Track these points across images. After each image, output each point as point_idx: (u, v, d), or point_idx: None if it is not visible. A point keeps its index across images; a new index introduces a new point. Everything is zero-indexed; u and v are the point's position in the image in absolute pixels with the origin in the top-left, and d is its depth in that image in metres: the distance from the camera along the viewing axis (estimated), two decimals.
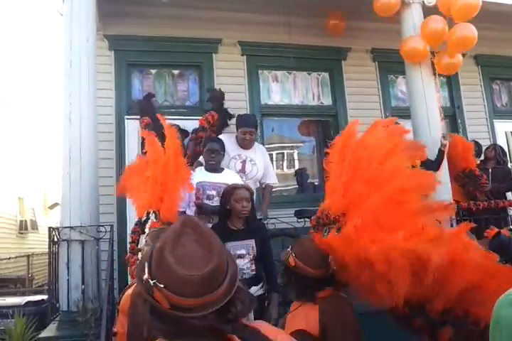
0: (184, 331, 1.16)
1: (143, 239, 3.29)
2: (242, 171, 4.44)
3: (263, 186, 4.85)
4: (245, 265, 3.36)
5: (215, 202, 3.90)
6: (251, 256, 3.37)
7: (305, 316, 2.25)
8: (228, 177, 4.11)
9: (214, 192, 3.99)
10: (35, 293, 7.33)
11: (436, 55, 5.33)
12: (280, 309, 3.36)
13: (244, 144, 4.48)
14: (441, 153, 4.88)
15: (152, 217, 3.38)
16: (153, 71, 6.32)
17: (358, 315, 2.53)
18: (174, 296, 1.13)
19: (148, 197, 3.48)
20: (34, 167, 13.63)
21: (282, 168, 7.10)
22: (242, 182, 4.18)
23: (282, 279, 2.60)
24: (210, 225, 3.51)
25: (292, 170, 7.09)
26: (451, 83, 7.39)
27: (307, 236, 2.73)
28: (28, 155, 13.16)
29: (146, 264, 1.21)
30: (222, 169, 4.20)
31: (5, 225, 11.13)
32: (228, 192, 3.49)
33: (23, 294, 7.17)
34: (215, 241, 1.23)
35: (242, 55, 6.50)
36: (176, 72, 6.40)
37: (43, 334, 3.93)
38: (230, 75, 6.30)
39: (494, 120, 7.36)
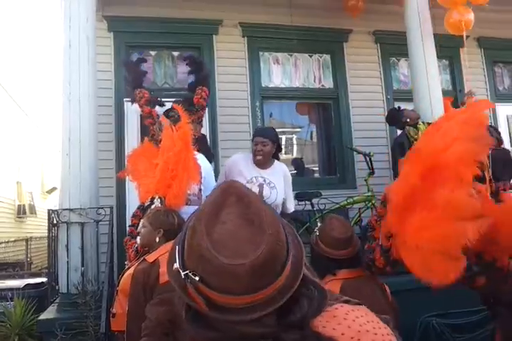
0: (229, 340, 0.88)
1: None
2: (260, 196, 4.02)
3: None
4: None
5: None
6: None
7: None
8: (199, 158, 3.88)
9: None
10: (34, 276, 7.33)
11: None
12: None
13: (258, 160, 3.70)
14: None
15: (157, 202, 3.30)
16: (152, 53, 6.23)
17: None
18: (213, 293, 0.85)
19: (156, 183, 3.40)
20: (32, 151, 13.56)
21: (281, 152, 7.05)
22: (206, 162, 4.02)
23: (311, 259, 2.46)
24: None
25: (290, 155, 7.05)
26: (453, 66, 7.31)
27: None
28: (26, 139, 13.07)
29: (177, 249, 0.92)
30: None
31: (3, 209, 11.10)
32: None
33: (22, 277, 7.17)
34: (269, 215, 0.90)
35: (243, 36, 6.40)
36: (175, 53, 6.31)
37: (43, 316, 3.93)
38: (230, 57, 6.22)
39: (496, 103, 7.30)
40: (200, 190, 3.80)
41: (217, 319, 0.86)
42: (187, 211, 3.54)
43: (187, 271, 0.86)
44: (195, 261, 0.87)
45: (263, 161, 3.69)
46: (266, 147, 3.63)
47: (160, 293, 2.61)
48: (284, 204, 3.84)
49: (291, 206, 3.96)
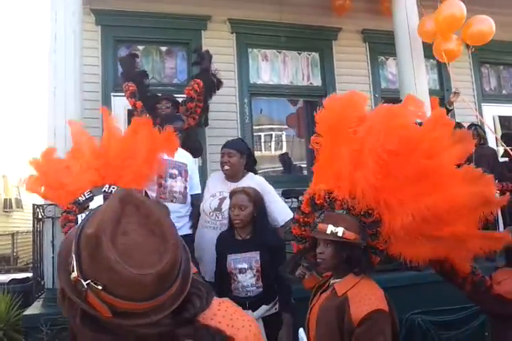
0: None
1: (81, 219, 3.12)
2: (218, 209, 3.50)
3: None
4: (248, 281, 2.96)
5: (179, 181, 3.71)
6: (254, 271, 2.95)
7: (374, 294, 2.09)
8: (183, 157, 3.85)
9: (176, 171, 3.73)
10: (20, 271, 7.29)
11: (438, 40, 5.30)
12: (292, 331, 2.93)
13: (225, 171, 3.52)
14: (448, 112, 4.87)
15: (113, 190, 3.13)
16: (140, 47, 6.21)
17: None
18: (117, 300, 0.88)
19: (91, 177, 3.22)
20: (18, 144, 13.42)
21: (270, 150, 7.08)
22: (191, 160, 3.97)
23: (334, 261, 2.21)
24: (214, 231, 3.34)
25: (280, 151, 7.07)
26: (441, 66, 7.37)
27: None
28: (12, 132, 12.94)
29: (74, 256, 0.92)
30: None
31: None
32: (229, 197, 3.13)
33: (8, 272, 7.13)
34: (168, 224, 0.96)
35: (232, 32, 6.40)
36: (163, 48, 6.30)
37: (28, 311, 3.91)
38: (218, 53, 6.16)
39: (482, 104, 7.38)
40: (185, 187, 3.75)
41: (120, 324, 0.90)
42: (171, 209, 3.53)
43: (89, 281, 0.88)
44: (100, 272, 0.88)
45: (231, 173, 3.54)
46: (232, 158, 3.48)
47: None
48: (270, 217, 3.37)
49: (282, 217, 3.48)
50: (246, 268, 2.95)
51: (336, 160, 2.39)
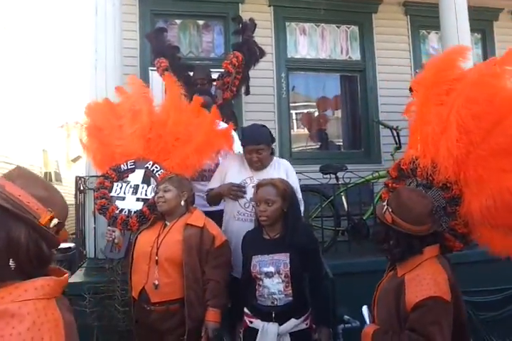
0: None
1: (116, 187, 3.19)
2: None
3: None
4: (275, 287, 2.55)
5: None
6: (282, 276, 2.53)
7: (434, 278, 1.92)
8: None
9: None
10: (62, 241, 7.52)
11: None
12: None
13: (257, 168, 3.12)
14: None
15: (156, 168, 3.14)
16: (178, 21, 6.18)
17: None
18: None
19: (144, 148, 3.19)
20: (58, 119, 13.70)
21: (305, 127, 7.00)
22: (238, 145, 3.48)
23: (377, 237, 2.16)
24: (250, 224, 2.90)
25: (316, 128, 6.98)
26: (486, 40, 7.09)
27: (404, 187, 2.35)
28: (52, 107, 13.20)
29: None
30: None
31: None
32: (255, 191, 2.74)
33: None
34: None
35: (270, 5, 6.29)
36: (201, 22, 6.25)
37: (71, 280, 4.03)
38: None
39: None
40: (216, 164, 3.53)
41: None
42: (202, 188, 3.43)
43: None
44: None
45: (262, 167, 3.13)
46: (262, 154, 3.05)
47: (216, 256, 2.68)
48: None
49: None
50: (273, 272, 2.55)
51: (426, 124, 2.25)
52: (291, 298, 2.54)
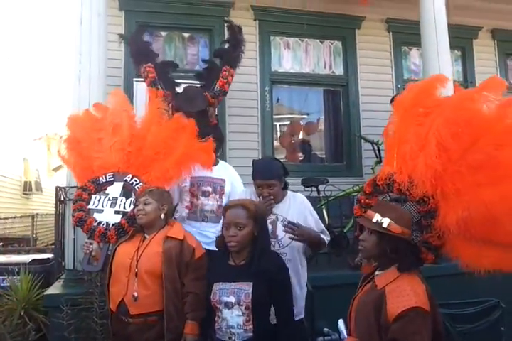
0: None
1: (94, 200, 3.15)
2: (273, 237, 2.81)
3: None
4: (234, 320, 2.30)
5: (211, 199, 3.45)
6: (243, 307, 2.29)
7: (413, 290, 1.97)
8: (225, 171, 3.61)
9: (210, 189, 3.49)
10: (40, 251, 7.43)
11: None
12: None
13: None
14: None
15: (135, 182, 3.11)
16: (163, 33, 6.21)
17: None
18: None
19: (124, 161, 3.17)
20: (39, 128, 13.58)
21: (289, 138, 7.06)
22: (239, 183, 3.58)
23: (376, 251, 2.13)
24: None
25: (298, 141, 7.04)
26: (466, 57, 7.26)
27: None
28: (34, 116, 13.09)
29: None
30: (217, 161, 3.61)
31: (10, 185, 11.19)
32: (222, 213, 2.54)
33: (28, 252, 7.27)
34: None
35: (255, 19, 6.37)
36: (186, 35, 6.29)
37: (49, 291, 4.00)
38: None
39: (507, 97, 7.24)
40: (219, 206, 3.43)
41: None
42: (204, 228, 3.40)
43: None
44: None
45: (274, 203, 2.90)
46: (274, 189, 2.84)
47: (196, 269, 2.65)
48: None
49: (326, 237, 2.99)
50: (233, 303, 2.30)
51: (404, 143, 2.36)
52: (251, 334, 2.28)
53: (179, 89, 4.39)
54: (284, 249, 2.82)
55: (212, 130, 3.85)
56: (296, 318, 2.67)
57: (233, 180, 3.61)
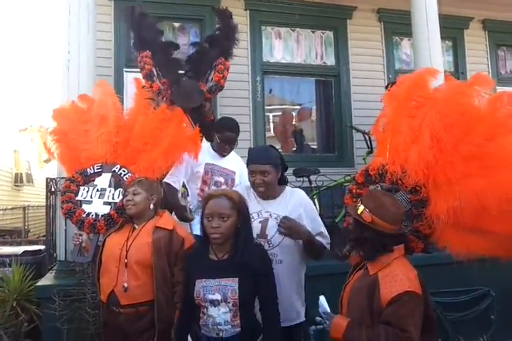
0: None
1: (82, 191, 3.15)
2: (262, 236, 2.65)
3: None
4: (221, 317, 2.21)
5: None
6: (230, 304, 2.21)
7: (406, 274, 2.05)
8: (237, 163, 3.59)
9: (222, 180, 3.52)
10: (31, 243, 7.41)
11: None
12: None
13: (260, 192, 2.72)
14: None
15: (123, 172, 3.11)
16: None
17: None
18: None
19: (111, 152, 3.18)
20: (29, 119, 13.48)
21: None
22: (243, 166, 3.38)
23: (352, 235, 2.22)
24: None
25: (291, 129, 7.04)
26: (457, 48, 7.27)
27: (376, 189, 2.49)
28: (24, 107, 12.98)
29: None
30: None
31: (1, 177, 11.11)
32: (203, 203, 2.40)
33: (20, 244, 7.25)
34: None
35: (246, 9, 6.33)
36: (176, 24, 6.24)
37: (41, 282, 4.00)
38: None
39: (497, 87, 7.27)
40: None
41: None
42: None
43: None
44: None
45: (268, 193, 2.73)
46: (267, 177, 2.65)
47: None
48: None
49: (325, 241, 2.80)
50: (219, 300, 2.20)
51: (396, 134, 2.43)
52: (238, 329, 2.22)
53: (178, 76, 4.33)
54: (275, 250, 2.62)
55: (210, 125, 3.88)
56: (294, 323, 2.67)
57: (242, 173, 3.57)
